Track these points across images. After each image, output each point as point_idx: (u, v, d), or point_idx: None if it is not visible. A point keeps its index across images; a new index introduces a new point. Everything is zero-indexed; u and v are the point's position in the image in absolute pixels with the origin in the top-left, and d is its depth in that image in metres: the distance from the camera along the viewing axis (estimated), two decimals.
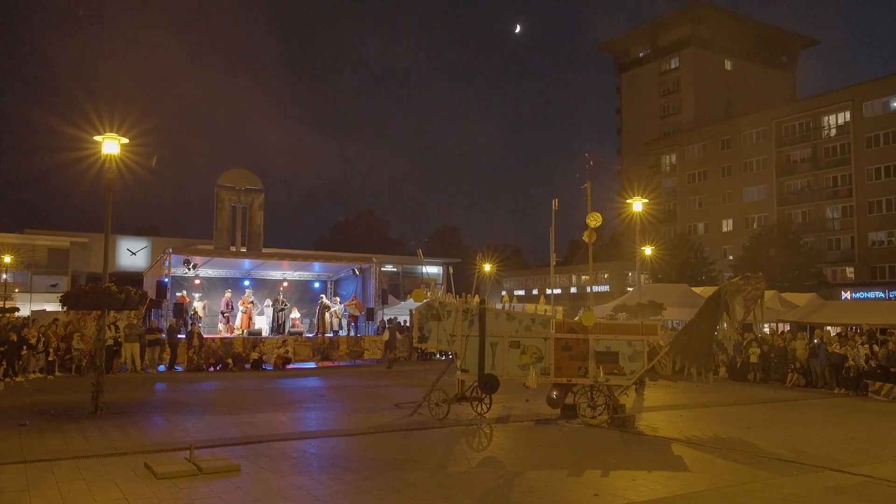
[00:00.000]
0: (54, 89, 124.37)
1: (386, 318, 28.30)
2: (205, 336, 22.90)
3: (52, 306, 31.37)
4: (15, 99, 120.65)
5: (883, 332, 21.84)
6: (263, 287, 28.23)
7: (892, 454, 10.36)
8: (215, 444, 10.05)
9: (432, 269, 50.01)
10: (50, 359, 19.36)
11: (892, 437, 12.08)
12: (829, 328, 23.82)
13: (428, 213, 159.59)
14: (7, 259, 38.69)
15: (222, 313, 25.78)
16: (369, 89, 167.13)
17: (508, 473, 8.67)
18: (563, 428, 12.21)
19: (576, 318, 15.28)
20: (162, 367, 21.40)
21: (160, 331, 22.01)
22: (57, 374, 19.33)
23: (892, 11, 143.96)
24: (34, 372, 18.96)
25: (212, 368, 21.88)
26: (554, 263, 19.76)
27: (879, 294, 47.11)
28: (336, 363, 24.80)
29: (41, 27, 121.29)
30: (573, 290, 73.23)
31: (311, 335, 26.05)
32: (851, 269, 51.42)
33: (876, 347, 19.00)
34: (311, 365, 24.11)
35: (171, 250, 24.15)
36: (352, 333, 27.01)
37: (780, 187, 56.35)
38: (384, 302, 27.74)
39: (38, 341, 19.22)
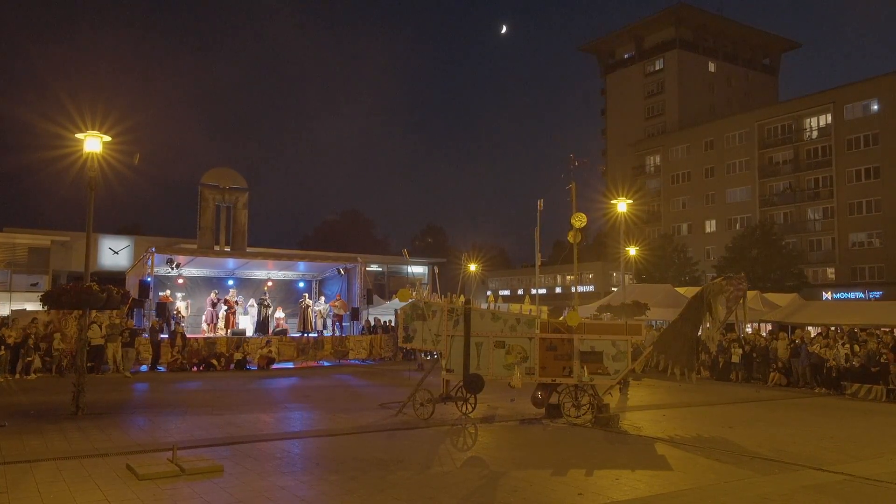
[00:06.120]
0: (35, 85, 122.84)
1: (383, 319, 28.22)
2: (188, 336, 22.74)
3: (33, 306, 30.93)
4: None
5: (863, 331, 22.14)
6: (248, 287, 28.09)
7: (872, 453, 10.49)
8: (198, 444, 9.97)
9: (418, 269, 49.88)
10: (28, 359, 19.14)
11: (872, 435, 12.23)
12: (809, 328, 24.09)
13: (413, 213, 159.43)
14: None
15: (205, 318, 25.61)
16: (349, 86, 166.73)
17: (493, 473, 8.68)
18: (548, 427, 12.26)
19: (560, 318, 15.32)
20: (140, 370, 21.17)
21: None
22: (37, 374, 19.10)
23: (873, 15, 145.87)
24: (21, 372, 18.74)
25: (195, 368, 21.73)
26: (539, 264, 19.78)
27: (860, 295, 47.71)
28: (320, 363, 24.73)
29: (20, 21, 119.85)
30: (558, 290, 73.47)
31: (296, 335, 25.95)
32: (832, 270, 52.05)
33: (857, 347, 19.24)
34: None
35: (154, 249, 24.00)
36: (336, 333, 26.94)
37: (762, 189, 56.92)
38: (369, 302, 27.70)
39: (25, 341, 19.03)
